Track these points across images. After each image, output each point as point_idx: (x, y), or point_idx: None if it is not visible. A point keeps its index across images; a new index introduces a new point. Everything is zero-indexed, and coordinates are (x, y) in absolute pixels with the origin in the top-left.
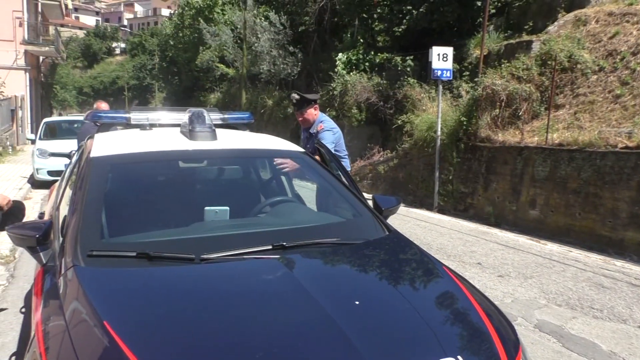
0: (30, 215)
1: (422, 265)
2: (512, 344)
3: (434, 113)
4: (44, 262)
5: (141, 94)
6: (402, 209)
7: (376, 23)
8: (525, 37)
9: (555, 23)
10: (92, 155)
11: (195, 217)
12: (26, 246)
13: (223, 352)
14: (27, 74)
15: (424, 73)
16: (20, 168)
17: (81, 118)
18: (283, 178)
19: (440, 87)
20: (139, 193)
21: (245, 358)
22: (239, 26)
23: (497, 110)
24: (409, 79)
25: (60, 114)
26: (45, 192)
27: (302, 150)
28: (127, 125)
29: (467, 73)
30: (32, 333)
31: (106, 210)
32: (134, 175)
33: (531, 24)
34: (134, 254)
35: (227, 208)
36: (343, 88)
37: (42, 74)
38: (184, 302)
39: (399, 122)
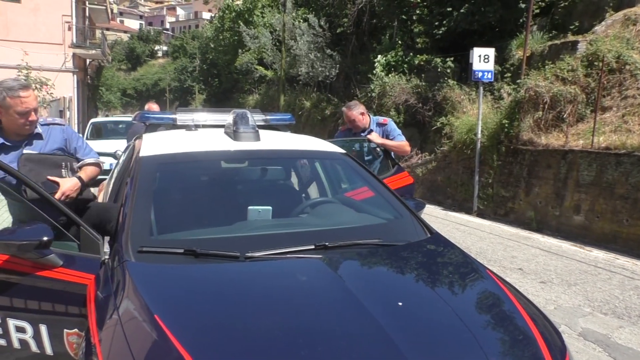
0: None
1: (465, 268)
2: (559, 350)
3: (474, 115)
4: (61, 262)
5: (182, 96)
6: (441, 212)
7: (415, 24)
8: (571, 38)
9: (603, 23)
10: (141, 154)
11: (239, 216)
12: (31, 251)
13: (270, 349)
14: (75, 76)
15: (464, 75)
16: None
17: (126, 119)
18: (324, 178)
19: (481, 88)
20: (185, 192)
21: (290, 356)
22: (277, 29)
23: (540, 112)
24: (448, 80)
25: (106, 115)
26: (93, 190)
27: (343, 151)
28: (174, 125)
29: (509, 74)
30: (88, 329)
31: (154, 208)
32: (181, 174)
33: (577, 24)
34: (181, 250)
35: (270, 208)
36: (381, 90)
37: (88, 76)
38: (232, 300)
39: (438, 124)
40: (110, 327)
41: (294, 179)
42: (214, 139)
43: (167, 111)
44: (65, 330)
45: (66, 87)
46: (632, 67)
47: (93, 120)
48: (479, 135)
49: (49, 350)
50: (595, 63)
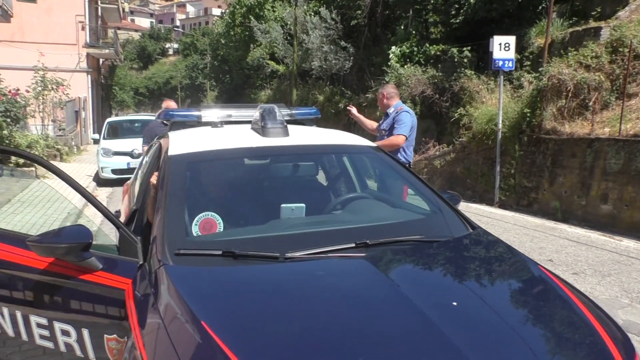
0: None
1: (514, 264)
2: (625, 346)
3: (493, 105)
4: (101, 266)
5: (193, 93)
6: (462, 204)
7: (430, 14)
8: (593, 24)
9: (627, 8)
10: (170, 153)
11: (272, 214)
12: (71, 254)
13: (325, 355)
14: (89, 76)
15: (482, 64)
16: (85, 167)
17: (142, 117)
18: (352, 173)
19: (502, 77)
20: (216, 190)
21: None
22: (289, 23)
23: (564, 100)
24: (466, 70)
25: (116, 114)
26: (109, 190)
27: (374, 145)
28: (199, 123)
29: (529, 63)
30: (131, 334)
31: (188, 208)
32: (211, 172)
33: (599, 10)
34: (219, 252)
35: (304, 205)
36: (397, 81)
37: (102, 76)
38: (277, 303)
39: (456, 115)
40: (154, 333)
41: (322, 175)
42: (242, 136)
43: (191, 108)
44: (105, 335)
45: (81, 87)
46: None
47: (109, 119)
48: (500, 125)
49: (91, 355)
50: (620, 49)
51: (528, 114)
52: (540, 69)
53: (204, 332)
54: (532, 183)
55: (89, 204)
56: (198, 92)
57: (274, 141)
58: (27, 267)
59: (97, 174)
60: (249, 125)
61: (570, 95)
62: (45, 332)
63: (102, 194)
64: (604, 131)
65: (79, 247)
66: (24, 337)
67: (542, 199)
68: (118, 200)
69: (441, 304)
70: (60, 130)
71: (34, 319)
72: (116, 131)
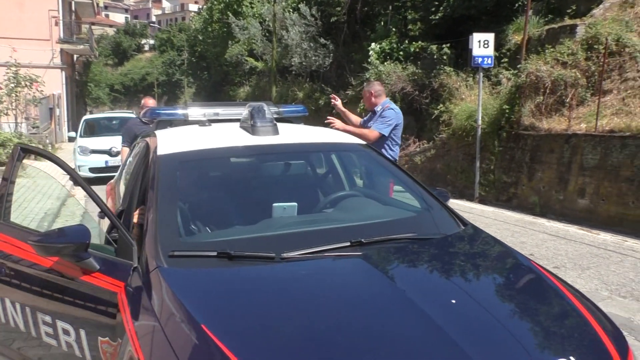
0: (76, 212)
1: (508, 260)
2: (620, 342)
3: (472, 101)
4: (98, 267)
5: (171, 90)
6: None
7: (410, 11)
8: (569, 22)
9: (601, 6)
10: (159, 153)
11: (264, 214)
12: (69, 254)
13: (327, 355)
14: (63, 72)
15: (461, 61)
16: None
17: (119, 115)
18: (341, 172)
19: (481, 74)
20: (207, 190)
21: None
22: (267, 19)
23: (541, 97)
24: (445, 67)
25: (90, 112)
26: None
27: (364, 142)
28: (185, 121)
29: (506, 60)
30: (126, 337)
31: (180, 208)
32: (202, 171)
33: (574, 8)
34: (214, 253)
35: (295, 204)
36: (377, 78)
37: (76, 72)
38: (277, 304)
39: (436, 111)
40: (151, 337)
41: (318, 172)
42: (231, 134)
43: (177, 106)
44: (99, 337)
45: (55, 83)
46: (631, 50)
47: (86, 117)
48: (479, 122)
49: (88, 357)
50: (595, 46)
51: (507, 111)
52: (518, 66)
53: (203, 334)
54: (511, 178)
55: (66, 204)
56: (175, 89)
57: (264, 140)
58: (35, 264)
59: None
60: (238, 124)
61: (547, 91)
62: (50, 330)
63: (80, 193)
64: (581, 127)
65: (76, 247)
66: (33, 333)
67: (521, 194)
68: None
69: (440, 301)
70: (34, 128)
71: (40, 316)
72: (93, 129)
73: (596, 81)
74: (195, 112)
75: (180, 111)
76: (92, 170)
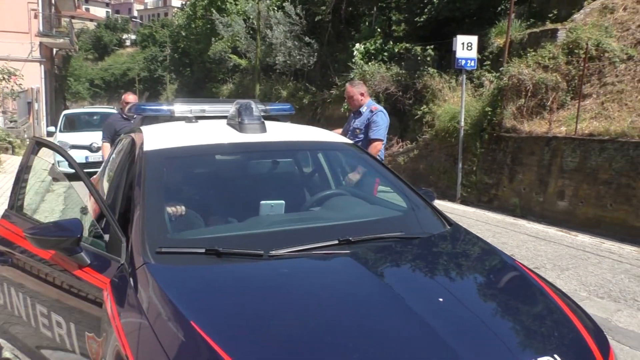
0: (55, 208)
1: (495, 261)
2: (602, 341)
3: (455, 103)
4: (89, 261)
5: (152, 86)
6: None
7: (394, 12)
8: (550, 26)
9: (582, 11)
10: (146, 149)
11: (251, 211)
12: (62, 248)
13: (318, 353)
14: (42, 66)
15: (444, 63)
16: (40, 161)
17: (100, 110)
18: (327, 170)
19: (464, 76)
20: (195, 187)
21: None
22: (251, 16)
23: (523, 100)
24: (429, 68)
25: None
26: (67, 184)
27: (351, 142)
28: (171, 117)
29: (488, 62)
30: (112, 334)
31: (167, 205)
32: (189, 168)
33: (555, 12)
34: (202, 250)
35: (283, 202)
36: (361, 78)
37: (55, 66)
38: (266, 301)
39: (419, 112)
40: (140, 334)
41: (305, 171)
42: (218, 131)
43: (163, 102)
44: (86, 332)
45: (33, 77)
46: (610, 55)
47: (66, 111)
48: (462, 123)
49: (77, 351)
50: (576, 51)
51: (489, 113)
52: (501, 69)
53: (192, 331)
54: (492, 180)
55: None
56: (157, 85)
57: (252, 137)
58: (36, 256)
59: (53, 168)
60: (224, 121)
61: (529, 94)
62: (46, 321)
63: (60, 189)
64: (561, 130)
65: (67, 241)
66: (32, 323)
67: (502, 196)
68: (80, 195)
69: (428, 300)
70: (11, 122)
71: (38, 307)
72: (73, 124)
73: (576, 85)
74: (181, 108)
75: (166, 107)
76: (71, 165)
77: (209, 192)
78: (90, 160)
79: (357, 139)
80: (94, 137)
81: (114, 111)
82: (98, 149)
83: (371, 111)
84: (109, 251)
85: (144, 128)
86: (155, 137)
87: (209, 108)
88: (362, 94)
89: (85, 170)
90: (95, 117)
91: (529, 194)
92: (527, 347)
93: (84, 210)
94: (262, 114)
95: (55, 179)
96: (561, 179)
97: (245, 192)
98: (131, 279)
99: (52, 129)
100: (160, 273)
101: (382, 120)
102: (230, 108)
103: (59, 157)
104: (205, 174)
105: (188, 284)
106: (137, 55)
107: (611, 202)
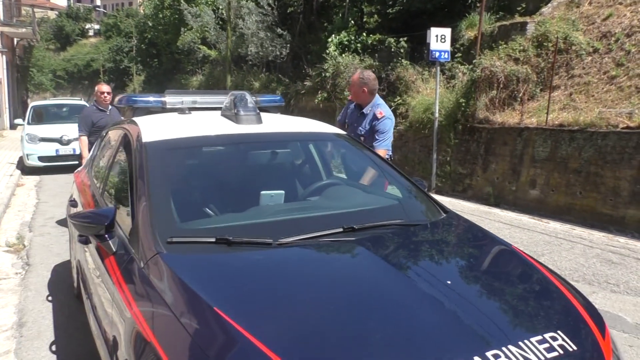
0: (28, 202)
1: (494, 245)
2: (598, 319)
3: (428, 95)
4: (114, 250)
5: (118, 77)
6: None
7: (366, 4)
8: (519, 19)
9: (549, 4)
10: (144, 140)
11: (251, 201)
12: (92, 234)
13: (340, 335)
14: (4, 56)
15: (417, 54)
16: (6, 154)
17: (69, 102)
18: (318, 161)
19: (439, 68)
20: (196, 178)
21: (365, 341)
22: (221, 7)
23: (495, 91)
24: (402, 60)
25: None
26: (37, 178)
27: (343, 132)
28: (162, 109)
29: (460, 55)
30: (133, 327)
31: (172, 195)
32: (189, 159)
33: (524, 6)
34: (213, 239)
35: (283, 192)
36: (335, 70)
37: (17, 57)
38: (282, 286)
39: (393, 104)
40: (166, 324)
41: (300, 161)
42: (214, 123)
43: (154, 94)
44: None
45: None
46: (577, 48)
47: (34, 103)
48: (437, 114)
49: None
50: (545, 44)
51: (463, 104)
52: (474, 61)
53: (217, 317)
54: (466, 170)
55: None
56: (123, 76)
57: (249, 128)
58: None
59: (20, 162)
60: (218, 113)
61: (501, 86)
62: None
63: (29, 183)
64: (532, 121)
65: (95, 228)
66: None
67: (476, 185)
68: (48, 189)
69: (437, 282)
70: None
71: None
72: (42, 116)
73: (545, 77)
74: (173, 100)
75: (158, 98)
76: (41, 159)
77: (211, 182)
78: (60, 153)
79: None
80: (64, 129)
81: (83, 103)
82: (69, 142)
83: (377, 117)
84: (130, 242)
85: (138, 120)
86: (153, 129)
87: (200, 99)
88: (367, 86)
89: (55, 164)
90: (64, 109)
91: (502, 183)
92: (533, 325)
93: (72, 203)
94: None
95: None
96: (533, 168)
97: (245, 182)
98: (145, 269)
99: (20, 121)
100: (176, 262)
101: (389, 127)
102: (221, 99)
103: (27, 151)
104: (206, 165)
105: (204, 272)
106: (101, 46)
107: (581, 190)
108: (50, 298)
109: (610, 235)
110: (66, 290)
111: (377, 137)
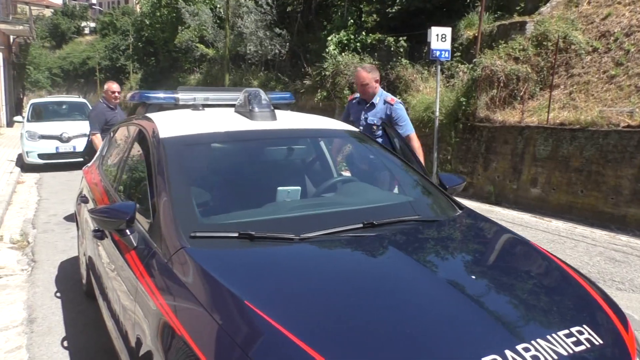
0: (29, 199)
1: (514, 241)
2: (619, 312)
3: (428, 93)
4: (135, 244)
5: (114, 76)
6: None
7: (364, 3)
8: (518, 18)
9: (548, 4)
10: (162, 136)
11: (268, 197)
12: (114, 229)
13: (370, 327)
14: (1, 54)
15: (416, 54)
16: (5, 151)
17: (68, 99)
18: (327, 157)
19: (439, 67)
20: (215, 173)
21: (394, 333)
22: (219, 5)
23: (495, 90)
24: (402, 59)
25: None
26: (37, 175)
27: (357, 129)
28: (175, 105)
29: (459, 54)
30: (160, 319)
31: (193, 191)
32: (207, 155)
33: (522, 5)
34: (236, 234)
35: (299, 188)
36: (335, 69)
37: (13, 54)
38: (309, 280)
39: None
40: (193, 315)
41: (314, 158)
42: (229, 119)
43: (167, 91)
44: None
45: None
46: (577, 47)
47: (33, 101)
48: (437, 113)
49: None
50: (544, 43)
51: (464, 103)
52: (474, 60)
53: (248, 310)
54: (467, 168)
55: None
56: (120, 74)
57: (263, 125)
58: None
59: (20, 159)
60: (232, 109)
61: (501, 85)
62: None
63: (30, 180)
64: (533, 120)
65: (115, 223)
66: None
67: (477, 184)
68: (48, 187)
69: (462, 277)
70: None
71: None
72: (41, 113)
73: (545, 76)
74: (186, 96)
75: (171, 95)
76: (41, 156)
77: (228, 178)
78: (60, 150)
79: (375, 136)
80: (64, 126)
81: (83, 100)
82: (69, 139)
83: (389, 103)
84: (150, 233)
85: (153, 116)
86: (169, 125)
87: (212, 96)
88: (377, 81)
89: (55, 161)
90: (64, 107)
91: (503, 181)
92: (559, 319)
93: (83, 199)
94: None
95: None
96: (534, 167)
97: (261, 178)
98: (169, 263)
99: (19, 118)
100: (201, 256)
101: (403, 112)
102: (234, 96)
103: (27, 148)
104: (223, 161)
105: (230, 266)
106: (97, 44)
107: (582, 189)
108: (58, 294)
109: (612, 233)
110: (74, 286)
111: (399, 124)
